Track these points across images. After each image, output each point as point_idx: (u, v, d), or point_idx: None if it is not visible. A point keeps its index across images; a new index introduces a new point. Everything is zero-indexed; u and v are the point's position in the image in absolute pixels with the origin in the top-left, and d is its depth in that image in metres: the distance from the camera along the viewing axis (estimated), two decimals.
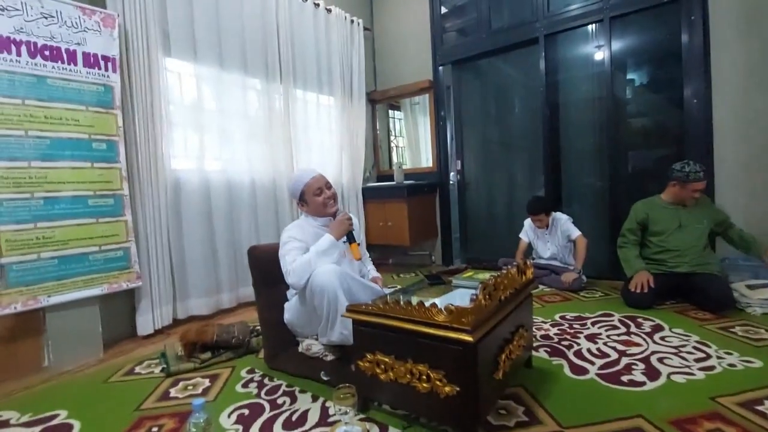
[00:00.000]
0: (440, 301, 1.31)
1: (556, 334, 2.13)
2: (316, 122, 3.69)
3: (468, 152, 4.16)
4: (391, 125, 4.56)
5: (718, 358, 1.76)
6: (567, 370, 1.72)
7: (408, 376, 1.25)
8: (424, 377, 1.22)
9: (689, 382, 1.58)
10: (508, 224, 3.82)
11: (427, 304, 1.22)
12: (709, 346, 1.87)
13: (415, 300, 1.42)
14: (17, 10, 1.94)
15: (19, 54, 1.96)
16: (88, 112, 2.17)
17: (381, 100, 4.42)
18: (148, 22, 2.44)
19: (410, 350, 1.24)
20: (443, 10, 4.06)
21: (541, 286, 3.01)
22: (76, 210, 2.13)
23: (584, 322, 2.30)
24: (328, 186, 1.90)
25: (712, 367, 1.68)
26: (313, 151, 3.60)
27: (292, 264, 1.67)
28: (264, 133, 3.15)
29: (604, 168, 3.29)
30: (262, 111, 3.16)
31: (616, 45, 3.20)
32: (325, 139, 3.75)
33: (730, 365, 1.69)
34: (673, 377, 1.61)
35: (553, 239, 3.12)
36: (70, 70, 2.12)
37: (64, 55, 2.10)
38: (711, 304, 2.32)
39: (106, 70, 2.24)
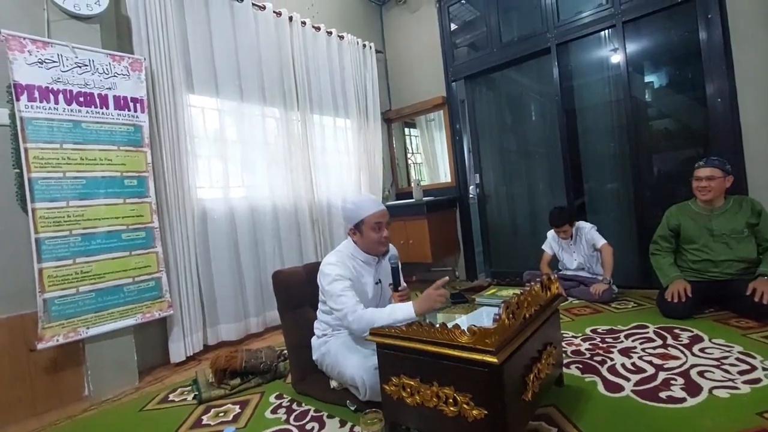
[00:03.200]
0: (463, 322, 1.30)
1: (587, 349, 2.06)
2: (334, 145, 3.77)
3: (486, 165, 4.14)
4: (407, 143, 4.60)
5: (764, 369, 1.66)
6: (601, 388, 1.66)
7: (434, 399, 1.24)
8: (451, 400, 1.20)
9: (733, 396, 1.50)
10: (532, 235, 3.76)
11: (450, 324, 1.22)
12: (754, 357, 1.77)
13: (439, 320, 1.42)
14: (54, 62, 2.10)
15: (57, 102, 2.11)
16: (119, 152, 2.30)
17: (396, 119, 4.48)
18: (173, 63, 2.58)
19: (435, 373, 1.24)
20: (453, 26, 4.12)
21: (570, 299, 2.93)
22: (111, 244, 2.24)
23: (617, 335, 2.22)
24: (388, 224, 1.79)
25: (757, 380, 1.59)
26: (331, 173, 3.68)
27: (354, 313, 1.57)
28: (284, 159, 3.24)
29: (627, 173, 3.21)
30: (281, 138, 3.26)
31: (631, 48, 3.16)
32: (343, 160, 3.82)
33: None
34: (716, 392, 1.54)
35: (579, 249, 3.05)
36: (103, 114, 2.26)
37: (97, 100, 2.24)
38: (753, 312, 2.18)
39: (135, 111, 2.37)
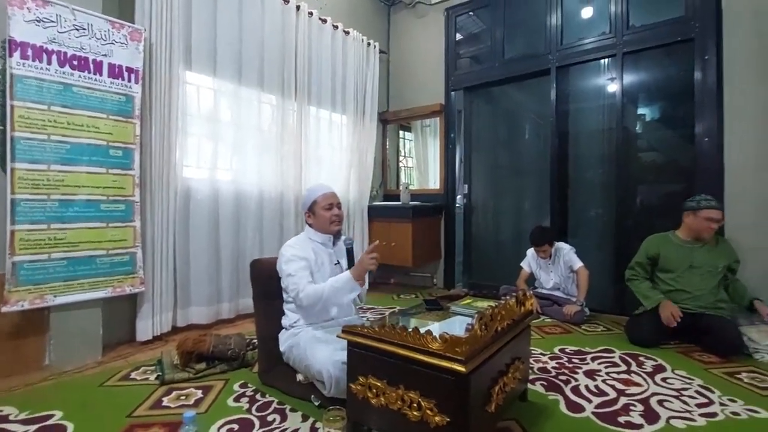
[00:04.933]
0: (436, 328, 1.31)
1: (554, 368, 2.10)
2: (328, 139, 3.75)
3: (476, 177, 4.18)
4: (401, 146, 4.61)
5: (722, 404, 1.71)
6: (563, 407, 1.69)
7: (399, 402, 1.24)
8: (415, 405, 1.21)
9: (689, 428, 1.54)
10: (513, 251, 3.80)
11: (422, 330, 1.23)
12: (713, 392, 1.83)
13: (413, 324, 1.42)
14: (52, 21, 2.05)
15: (49, 62, 2.05)
16: (108, 120, 2.25)
17: (392, 121, 4.49)
18: (173, 37, 2.54)
19: (403, 376, 1.24)
20: (458, 36, 4.15)
21: (542, 317, 2.98)
22: (88, 213, 2.19)
23: (584, 356, 2.26)
24: (339, 206, 1.91)
25: (714, 414, 1.64)
26: (322, 167, 3.66)
27: (304, 290, 1.67)
28: (275, 147, 3.22)
29: (611, 200, 3.29)
30: (275, 125, 3.24)
31: (628, 79, 3.24)
32: (335, 156, 3.81)
33: (734, 413, 1.64)
34: (673, 422, 1.58)
35: (556, 269, 3.10)
36: (96, 80, 2.21)
37: (91, 66, 2.19)
38: (720, 348, 2.25)
39: (129, 81, 2.32)
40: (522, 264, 3.26)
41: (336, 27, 3.72)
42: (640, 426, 1.55)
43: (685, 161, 3.07)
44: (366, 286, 1.86)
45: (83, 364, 2.12)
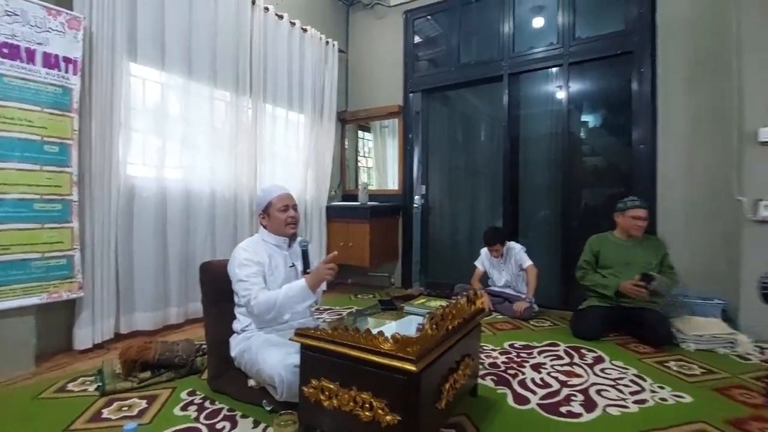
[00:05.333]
0: (393, 328, 1.33)
1: (503, 363, 2.19)
2: (284, 138, 3.69)
3: (433, 178, 4.27)
4: (360, 146, 4.62)
5: (652, 392, 1.85)
6: (510, 400, 1.77)
7: (351, 403, 1.25)
8: (368, 405, 1.22)
9: (623, 415, 1.66)
10: (468, 250, 3.92)
11: (375, 331, 1.24)
12: (645, 380, 1.97)
13: (369, 325, 1.44)
14: None
15: None
16: (42, 114, 2.09)
17: (351, 121, 4.49)
18: (116, 26, 2.39)
19: (356, 378, 1.25)
20: (417, 39, 4.21)
21: (494, 314, 3.09)
22: (20, 214, 2.02)
23: (531, 351, 2.37)
24: (295, 207, 1.89)
25: (645, 401, 1.77)
26: (278, 166, 3.59)
27: (256, 298, 1.63)
28: (229, 145, 3.12)
29: (558, 202, 3.47)
30: (229, 122, 3.14)
31: (574, 88, 3.43)
32: (291, 155, 3.75)
33: (662, 399, 1.78)
34: (609, 410, 1.69)
35: (507, 268, 3.23)
36: (29, 70, 2.04)
37: (23, 54, 2.02)
38: (652, 339, 2.44)
39: (67, 71, 2.17)
40: (476, 263, 3.36)
41: (293, 24, 3.66)
42: (580, 415, 1.65)
43: (624, 166, 3.30)
44: (322, 288, 1.85)
45: (16, 375, 1.96)
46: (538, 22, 3.69)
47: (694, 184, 2.88)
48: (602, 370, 2.09)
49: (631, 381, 1.97)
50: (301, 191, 3.76)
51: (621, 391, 1.86)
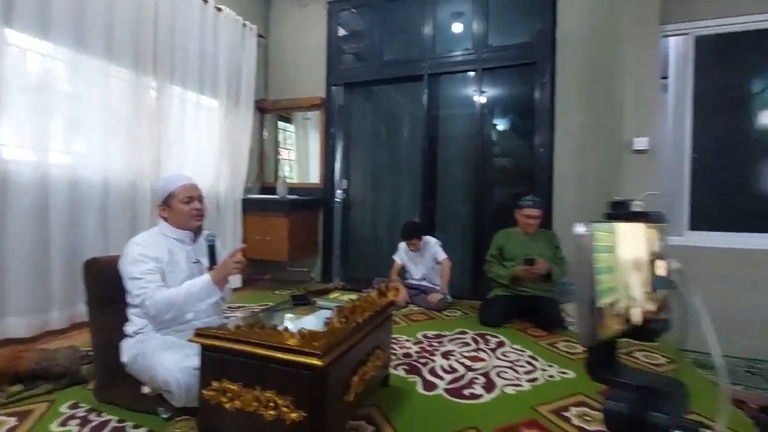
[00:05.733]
0: (309, 322, 1.30)
1: (416, 352, 2.27)
2: (194, 124, 3.42)
3: (355, 172, 4.28)
4: (281, 137, 4.46)
5: (542, 370, 2.06)
6: (420, 387, 1.85)
7: (255, 403, 1.20)
8: (272, 404, 1.18)
9: (518, 393, 1.82)
10: (389, 245, 4.00)
11: (283, 327, 1.21)
12: (538, 360, 2.19)
13: (281, 320, 1.39)
14: None
15: None
16: None
17: (271, 110, 4.31)
18: None
19: (260, 376, 1.20)
20: (342, 31, 4.17)
21: (410, 306, 3.20)
22: None
23: (442, 339, 2.50)
24: (200, 199, 1.74)
25: (536, 379, 1.96)
26: (188, 155, 3.32)
27: (152, 297, 1.48)
28: (128, 129, 2.80)
29: (471, 200, 3.69)
30: (128, 104, 2.81)
31: (487, 93, 3.65)
32: (203, 143, 3.50)
33: (551, 377, 1.99)
34: (506, 389, 1.85)
35: (424, 261, 3.36)
36: None
37: None
38: (546, 323, 2.72)
39: None
40: (395, 257, 3.45)
41: (206, 1, 3.40)
42: (481, 396, 1.78)
43: (528, 167, 3.60)
44: (231, 286, 1.75)
45: None
46: (456, 27, 3.86)
47: (584, 185, 3.24)
48: (503, 354, 2.28)
49: (526, 362, 2.17)
50: (214, 182, 3.52)
51: (517, 372, 2.04)
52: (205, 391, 1.27)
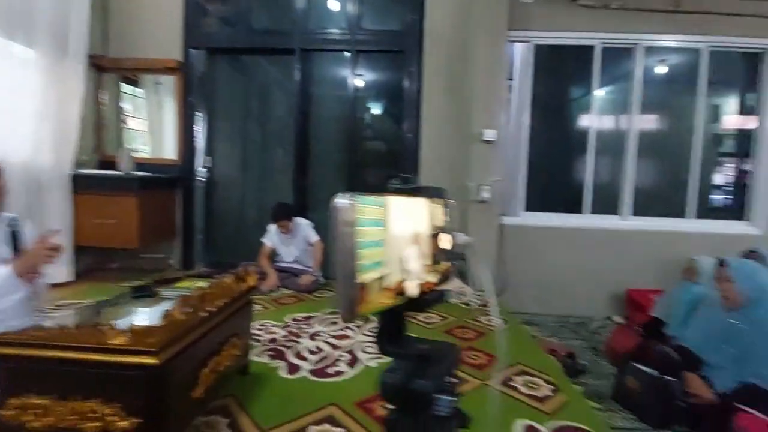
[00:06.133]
0: (130, 320, 1.14)
1: (283, 337, 2.22)
2: (2, 77, 2.70)
3: (221, 148, 3.92)
4: (128, 104, 3.81)
5: None
6: (283, 372, 1.81)
7: (72, 417, 1.02)
8: (95, 415, 1.02)
9: (380, 365, 1.91)
10: (259, 227, 3.80)
11: (119, 324, 1.03)
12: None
13: (114, 316, 1.19)
14: None
15: None
16: None
17: (112, 70, 3.64)
18: None
19: (77, 385, 1.02)
20: None
21: (281, 289, 3.12)
22: None
23: (311, 321, 2.49)
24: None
25: None
26: None
27: None
28: None
29: (343, 181, 3.72)
30: None
31: (361, 75, 3.68)
32: (15, 102, 2.78)
33: None
34: (369, 363, 1.93)
35: (296, 243, 3.29)
36: None
37: None
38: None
39: None
40: (264, 239, 3.29)
41: None
42: (344, 372, 1.83)
43: (398, 151, 3.77)
44: (44, 281, 1.45)
45: None
46: (332, 4, 3.76)
47: (443, 170, 3.53)
48: (369, 330, 2.37)
49: None
50: (33, 152, 2.83)
51: None
52: (2, 412, 1.03)
